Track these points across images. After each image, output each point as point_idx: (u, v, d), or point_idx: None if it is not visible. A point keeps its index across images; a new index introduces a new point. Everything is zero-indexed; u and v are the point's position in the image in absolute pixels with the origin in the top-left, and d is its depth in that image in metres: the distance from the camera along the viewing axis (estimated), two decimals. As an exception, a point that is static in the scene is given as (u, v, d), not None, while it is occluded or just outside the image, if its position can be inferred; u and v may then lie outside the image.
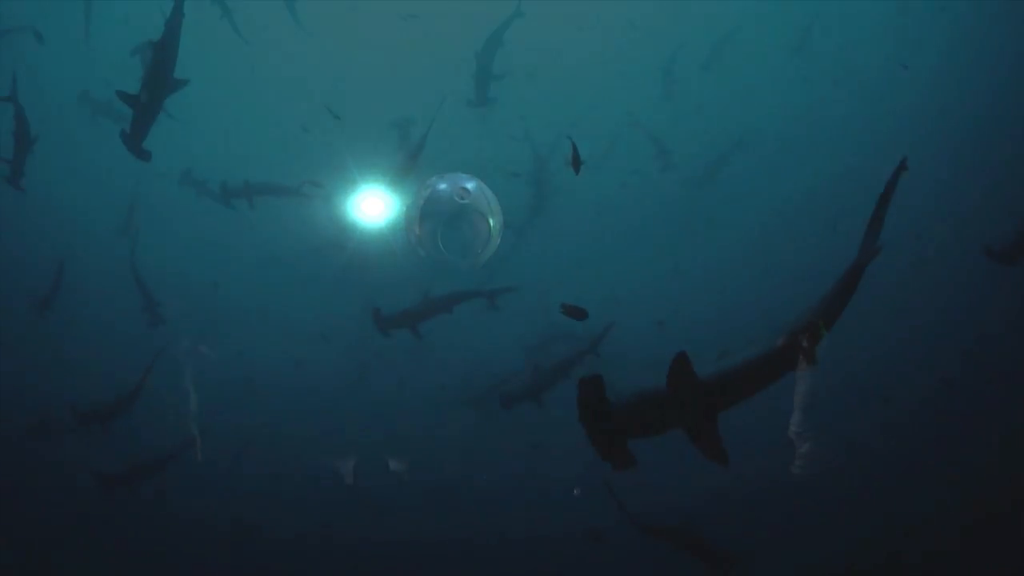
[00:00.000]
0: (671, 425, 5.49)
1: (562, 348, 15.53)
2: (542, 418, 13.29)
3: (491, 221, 7.23)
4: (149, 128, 8.73)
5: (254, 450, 19.11)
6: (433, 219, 7.18)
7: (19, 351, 17.68)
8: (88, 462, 13.15)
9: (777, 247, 22.76)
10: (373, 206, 9.29)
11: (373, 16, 23.45)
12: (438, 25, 22.06)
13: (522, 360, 17.36)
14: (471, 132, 17.76)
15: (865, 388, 18.23)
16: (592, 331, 18.11)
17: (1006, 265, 10.74)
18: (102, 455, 13.32)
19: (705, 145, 22.75)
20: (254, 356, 21.80)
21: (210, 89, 22.58)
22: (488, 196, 7.28)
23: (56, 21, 19.48)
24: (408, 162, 9.79)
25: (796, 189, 24.03)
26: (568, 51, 23.91)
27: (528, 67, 20.53)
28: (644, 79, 23.05)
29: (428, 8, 22.04)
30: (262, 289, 23.73)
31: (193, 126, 16.23)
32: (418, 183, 7.53)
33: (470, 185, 7.25)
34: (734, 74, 22.94)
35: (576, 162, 6.81)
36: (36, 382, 16.70)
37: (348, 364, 21.60)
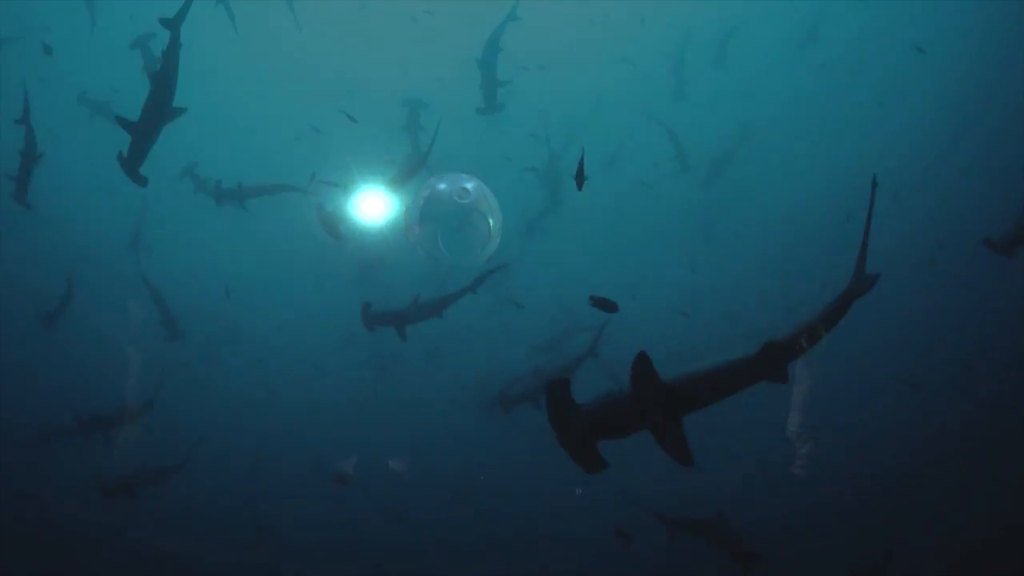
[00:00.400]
0: (637, 427, 5.46)
1: (569, 348, 15.41)
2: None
3: (491, 221, 7.16)
4: (146, 154, 8.79)
5: (273, 454, 19.09)
6: (433, 219, 7.12)
7: (28, 362, 17.83)
8: (92, 469, 13.20)
9: (792, 242, 22.52)
10: (374, 206, 9.22)
11: (382, 16, 23.41)
12: (446, 25, 21.94)
13: (540, 360, 17.21)
14: (481, 129, 17.63)
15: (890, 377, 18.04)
16: (607, 330, 18.12)
17: (1005, 256, 10.64)
18: (105, 463, 13.39)
19: (719, 143, 22.48)
20: (273, 361, 21.81)
21: (218, 90, 22.93)
22: (488, 196, 7.20)
23: (59, 27, 19.69)
24: (410, 172, 9.71)
25: (809, 183, 23.78)
26: (577, 48, 23.75)
27: (539, 62, 20.40)
28: (654, 75, 22.86)
29: (435, 7, 21.88)
30: (277, 293, 23.78)
31: (201, 127, 16.28)
32: (419, 183, 7.52)
33: (470, 185, 7.19)
34: (744, 70, 22.70)
35: (581, 177, 6.69)
36: (44, 393, 16.78)
37: (366, 367, 21.54)
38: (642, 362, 5.22)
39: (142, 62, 16.23)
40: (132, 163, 8.73)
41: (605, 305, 7.17)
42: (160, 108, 8.48)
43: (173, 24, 8.35)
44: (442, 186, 7.27)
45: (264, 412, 20.24)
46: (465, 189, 7.19)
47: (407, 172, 9.94)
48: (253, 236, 21.85)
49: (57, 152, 13.53)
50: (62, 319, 16.05)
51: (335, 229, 9.69)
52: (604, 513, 15.63)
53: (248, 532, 17.43)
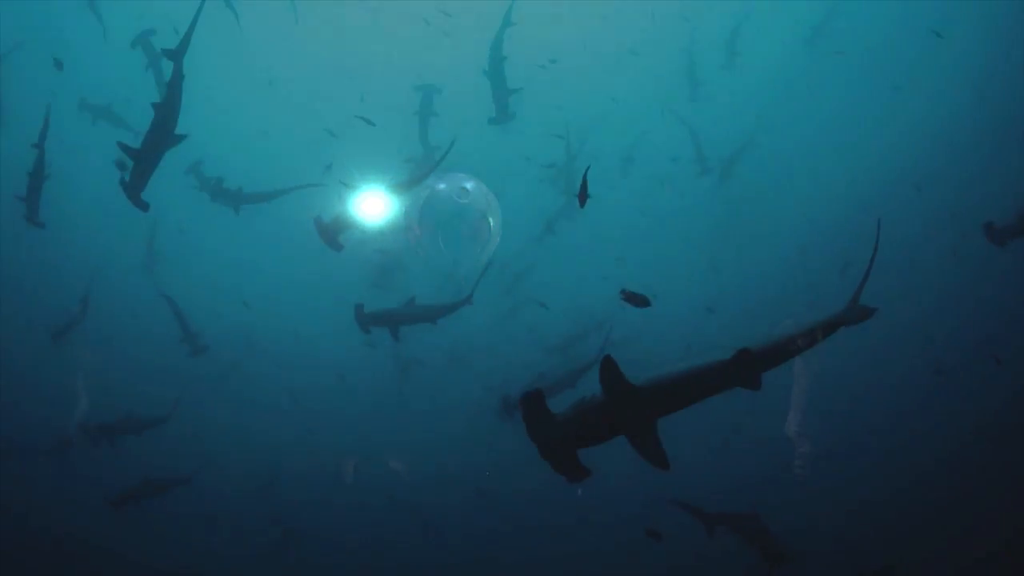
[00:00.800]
0: (613, 433, 5.45)
1: (583, 350, 15.33)
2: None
3: (491, 220, 7.09)
4: (148, 179, 8.87)
5: (297, 461, 19.17)
6: (433, 219, 7.07)
7: (45, 376, 18.01)
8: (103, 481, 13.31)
9: (813, 237, 22.29)
10: (376, 208, 9.17)
11: (395, 18, 23.46)
12: (461, 25, 21.84)
13: (553, 361, 17.08)
14: (497, 130, 17.52)
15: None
16: (624, 331, 17.91)
17: (997, 245, 10.61)
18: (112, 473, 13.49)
19: (735, 140, 22.22)
20: (295, 369, 21.85)
21: (231, 93, 23.07)
22: (488, 196, 7.14)
23: (69, 39, 19.91)
24: (417, 181, 9.64)
25: (827, 176, 23.51)
26: (590, 45, 23.57)
27: (549, 61, 20.27)
28: (667, 71, 22.66)
29: (448, 8, 21.79)
30: (295, 301, 23.80)
31: (215, 130, 16.24)
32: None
33: (469, 185, 7.12)
34: (756, 66, 22.42)
35: (584, 195, 6.60)
36: (61, 406, 16.90)
37: (389, 371, 21.51)
38: (608, 367, 5.20)
39: (145, 59, 16.33)
40: (134, 188, 8.81)
41: (636, 300, 7.06)
42: (162, 136, 8.56)
43: (176, 55, 8.42)
44: (442, 186, 7.21)
45: (287, 420, 20.29)
46: (465, 189, 7.13)
47: (414, 180, 9.89)
48: (269, 244, 21.98)
49: (70, 163, 13.67)
50: (74, 334, 16.25)
51: (333, 240, 9.66)
52: (633, 513, 15.62)
53: (272, 538, 17.56)
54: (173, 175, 13.91)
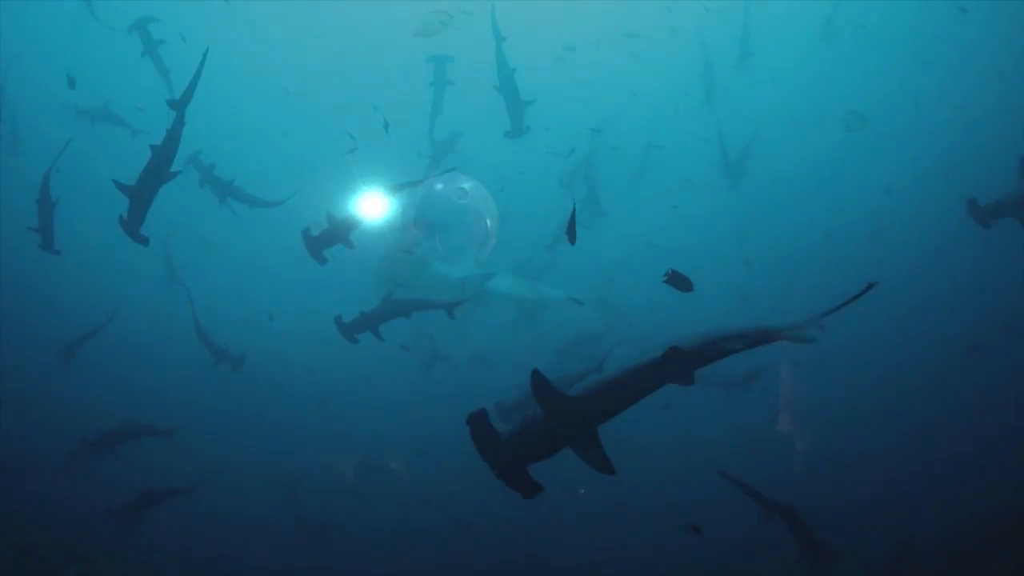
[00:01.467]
0: (558, 444, 5.49)
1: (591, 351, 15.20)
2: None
3: (488, 222, 7.02)
4: (144, 215, 9.12)
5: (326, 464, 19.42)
6: (431, 219, 7.03)
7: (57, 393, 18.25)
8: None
9: (839, 223, 21.90)
10: (373, 206, 9.18)
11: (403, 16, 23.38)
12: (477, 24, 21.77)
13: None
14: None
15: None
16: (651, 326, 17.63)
17: (981, 224, 10.27)
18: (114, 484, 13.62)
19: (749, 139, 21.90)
20: (323, 374, 21.94)
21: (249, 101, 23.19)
22: (486, 197, 7.07)
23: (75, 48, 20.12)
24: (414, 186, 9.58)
25: (848, 169, 23.20)
26: (604, 42, 23.39)
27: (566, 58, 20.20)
28: (686, 65, 22.42)
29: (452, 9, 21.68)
30: (320, 307, 23.88)
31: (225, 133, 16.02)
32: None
33: (467, 186, 7.05)
34: (772, 64, 22.14)
35: (572, 230, 6.47)
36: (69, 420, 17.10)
37: (416, 371, 21.51)
38: (538, 380, 5.25)
39: (141, 47, 16.31)
40: (132, 224, 9.06)
41: (679, 282, 6.93)
42: (157, 176, 8.79)
43: (179, 105, 8.61)
44: (440, 187, 7.15)
45: (315, 424, 20.38)
46: (463, 190, 7.06)
47: (414, 185, 9.86)
48: (290, 249, 22.07)
49: (79, 175, 13.74)
50: (83, 350, 16.52)
51: (318, 253, 9.75)
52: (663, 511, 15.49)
53: (299, 536, 17.81)
54: (192, 186, 14.09)
